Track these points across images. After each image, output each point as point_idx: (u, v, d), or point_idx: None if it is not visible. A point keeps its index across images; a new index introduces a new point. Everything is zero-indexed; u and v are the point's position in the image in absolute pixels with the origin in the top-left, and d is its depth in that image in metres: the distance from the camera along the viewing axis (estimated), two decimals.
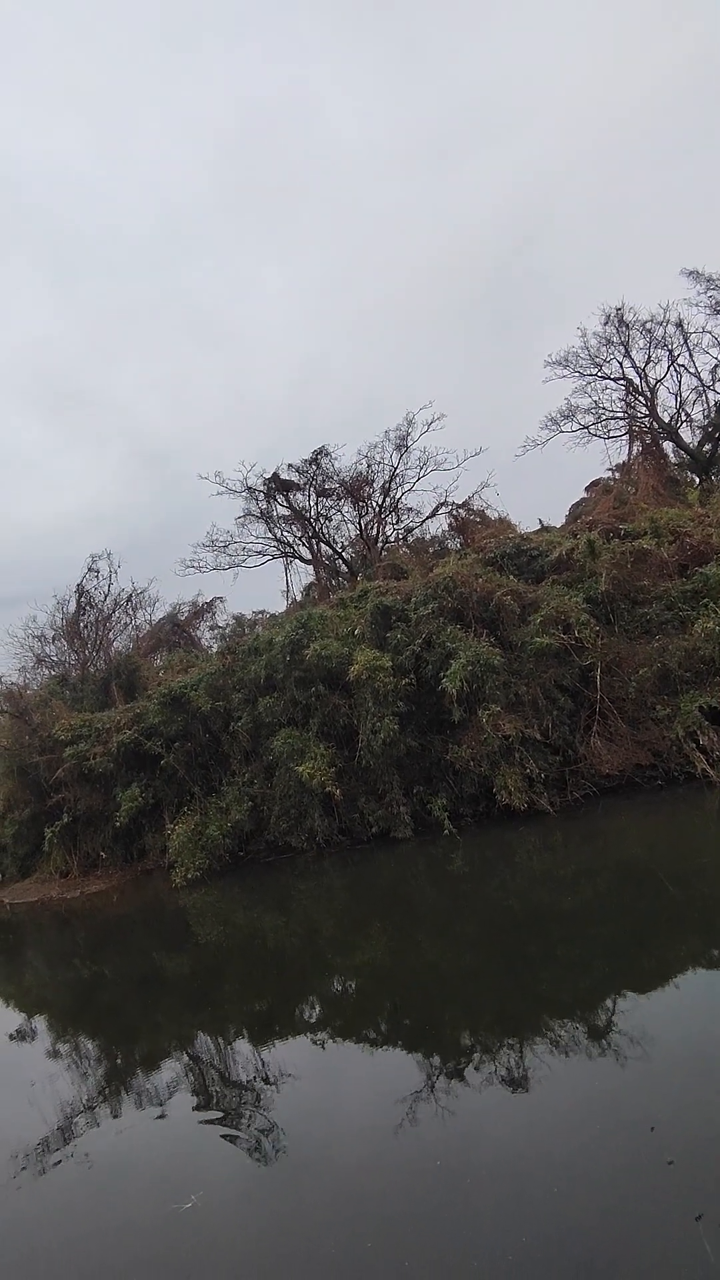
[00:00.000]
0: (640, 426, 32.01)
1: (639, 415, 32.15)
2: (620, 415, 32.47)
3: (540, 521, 25.97)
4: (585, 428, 32.70)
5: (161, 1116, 7.22)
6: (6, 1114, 8.01)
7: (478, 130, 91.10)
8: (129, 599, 33.52)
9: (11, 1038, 10.93)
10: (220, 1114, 7.07)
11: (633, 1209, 4.52)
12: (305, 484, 32.46)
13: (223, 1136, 6.59)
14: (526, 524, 26.01)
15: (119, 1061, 9.19)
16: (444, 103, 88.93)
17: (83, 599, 32.32)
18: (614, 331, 31.29)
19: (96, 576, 32.67)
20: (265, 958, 11.73)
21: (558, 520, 26.94)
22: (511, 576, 18.95)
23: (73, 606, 32.18)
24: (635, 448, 31.73)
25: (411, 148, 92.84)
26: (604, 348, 31.68)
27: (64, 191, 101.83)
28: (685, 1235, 4.21)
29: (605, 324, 31.29)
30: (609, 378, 32.07)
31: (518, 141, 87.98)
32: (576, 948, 9.00)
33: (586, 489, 31.23)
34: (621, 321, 31.05)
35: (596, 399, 32.53)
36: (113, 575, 32.87)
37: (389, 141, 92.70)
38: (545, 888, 11.68)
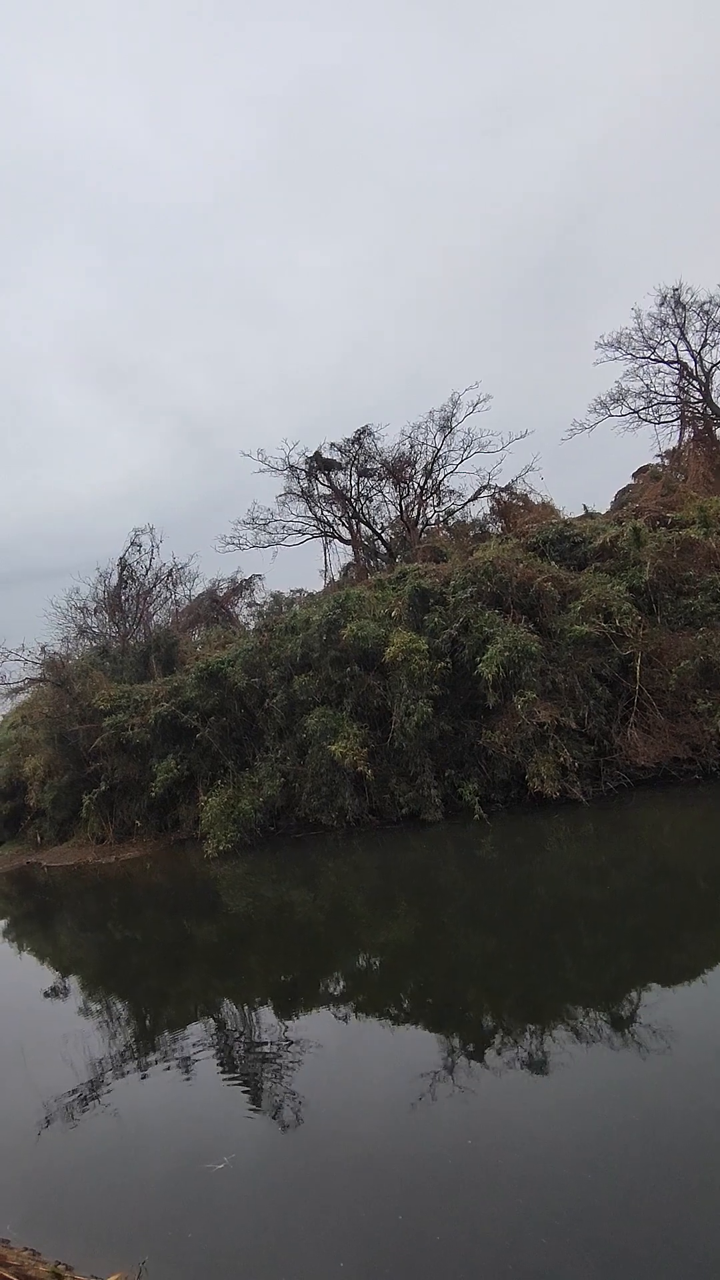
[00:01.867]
0: (693, 412, 31.04)
1: (692, 400, 31.17)
2: (672, 400, 31.52)
3: (584, 507, 25.45)
4: (635, 412, 31.83)
5: (187, 1078, 7.42)
6: (39, 1066, 8.31)
7: (536, 101, 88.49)
8: (169, 574, 33.94)
9: (46, 994, 11.34)
10: (245, 1079, 7.24)
11: (652, 1196, 4.50)
12: (347, 463, 32.32)
13: (246, 1101, 6.75)
14: (570, 509, 25.46)
15: (148, 1022, 9.46)
16: (503, 73, 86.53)
17: (125, 572, 32.82)
18: (670, 313, 30.29)
19: (139, 550, 33.12)
20: (292, 931, 11.90)
21: (603, 506, 26.38)
22: (553, 562, 18.66)
23: (115, 579, 32.71)
24: (686, 434, 30.82)
25: (468, 120, 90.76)
26: (659, 329, 30.70)
27: (115, 164, 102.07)
28: (704, 1224, 4.19)
29: (661, 305, 30.30)
30: (662, 360, 31.11)
31: (577, 114, 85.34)
32: (603, 937, 8.94)
33: (634, 475, 30.46)
34: (678, 302, 30.03)
35: (648, 382, 31.60)
36: (154, 550, 33.29)
37: (445, 114, 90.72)
38: (574, 876, 11.60)
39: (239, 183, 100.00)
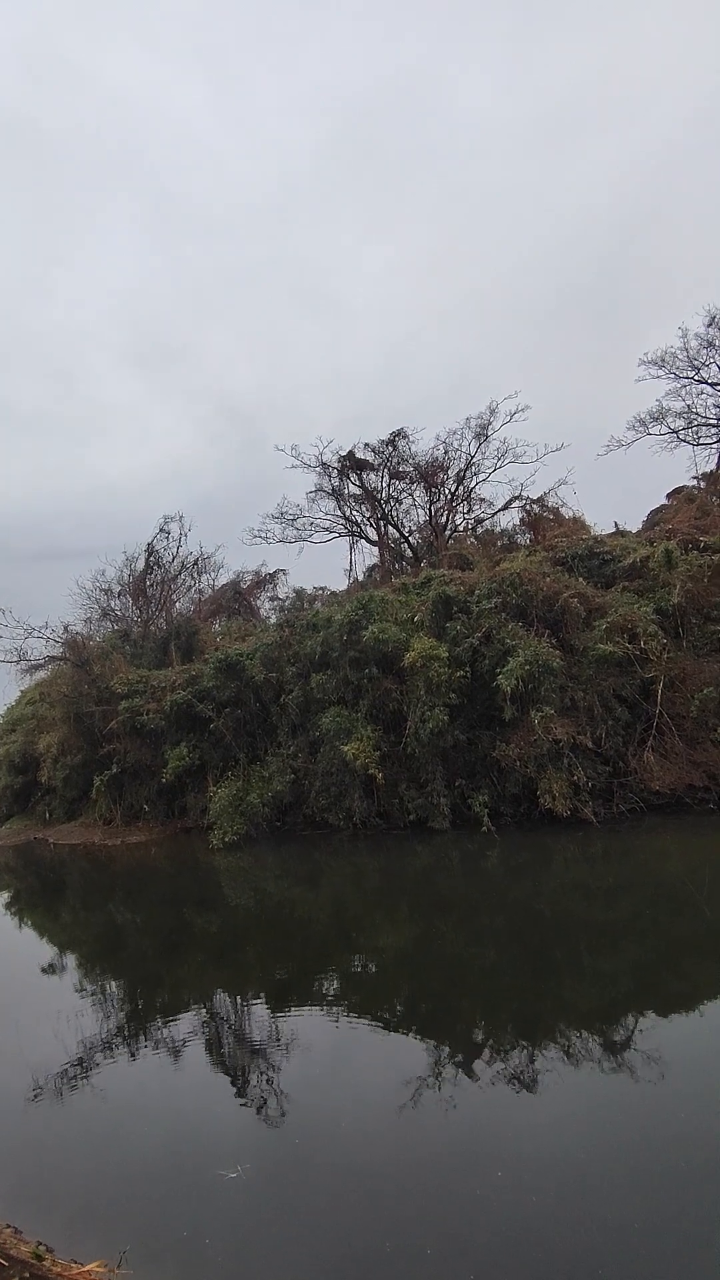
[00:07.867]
0: None
1: None
2: (713, 422, 31.14)
3: (616, 525, 25.22)
4: (675, 432, 31.52)
5: (177, 1068, 7.42)
6: (31, 1042, 8.36)
7: (598, 113, 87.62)
8: (195, 562, 34.10)
9: (44, 970, 11.42)
10: (234, 1074, 7.22)
11: (635, 1219, 4.41)
12: (380, 465, 32.27)
13: (235, 1096, 6.74)
14: (601, 526, 25.25)
15: (140, 1007, 9.48)
16: (569, 83, 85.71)
17: (151, 558, 33.00)
18: (717, 334, 29.95)
19: (167, 538, 33.31)
20: (291, 927, 11.89)
21: (634, 525, 26.10)
22: (580, 579, 18.49)
23: (141, 564, 32.92)
24: None
25: (534, 123, 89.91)
26: (704, 350, 30.33)
27: (176, 146, 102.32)
28: (688, 1252, 4.10)
29: (709, 325, 29.93)
30: (706, 382, 30.77)
31: (640, 124, 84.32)
32: (603, 960, 8.82)
33: (668, 496, 30.07)
34: None
35: (690, 403, 31.27)
36: (182, 538, 33.47)
37: (508, 120, 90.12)
38: (578, 896, 11.47)
39: (298, 176, 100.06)
